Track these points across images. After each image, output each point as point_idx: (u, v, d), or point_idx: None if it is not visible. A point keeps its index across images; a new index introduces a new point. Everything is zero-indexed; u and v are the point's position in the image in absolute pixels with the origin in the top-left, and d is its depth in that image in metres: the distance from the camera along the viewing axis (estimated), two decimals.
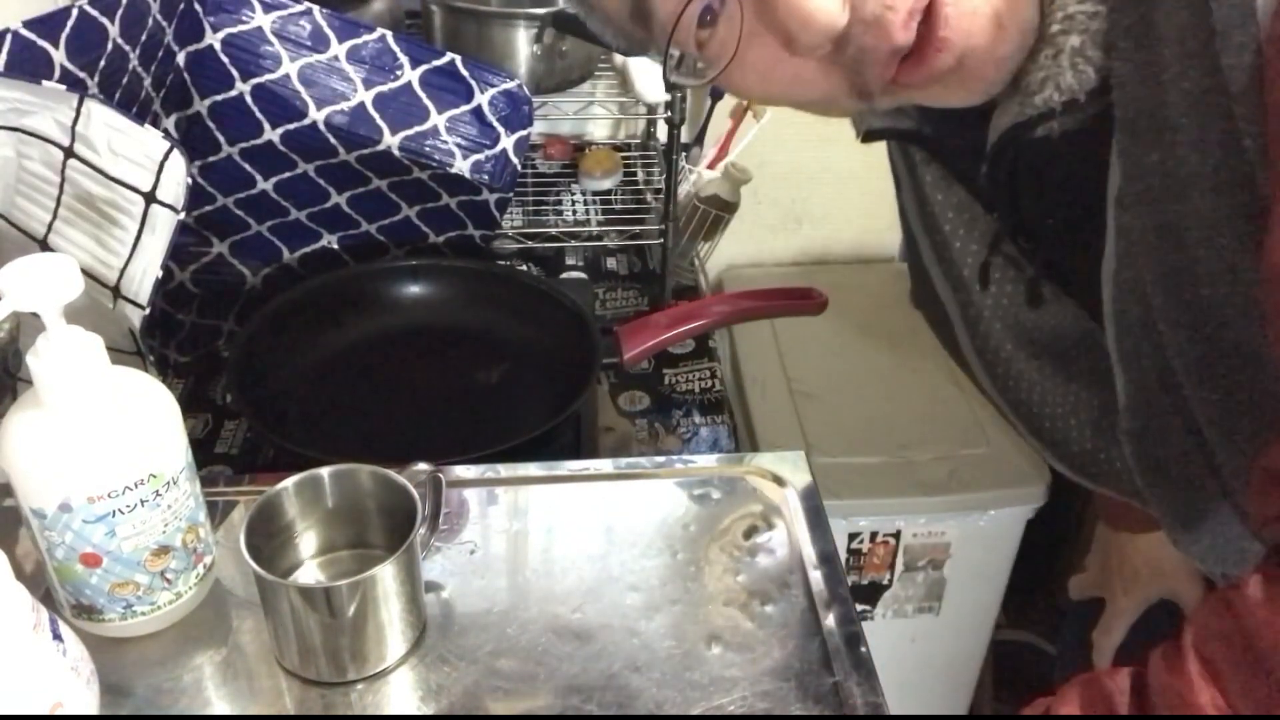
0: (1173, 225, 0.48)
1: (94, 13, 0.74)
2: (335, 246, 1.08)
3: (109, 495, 0.57)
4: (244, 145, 0.96)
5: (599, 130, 1.49)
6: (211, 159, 0.97)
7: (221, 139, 0.95)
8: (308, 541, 0.66)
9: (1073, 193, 0.57)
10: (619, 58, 1.24)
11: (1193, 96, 0.45)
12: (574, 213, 1.35)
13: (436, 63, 0.97)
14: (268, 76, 0.92)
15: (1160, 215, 0.48)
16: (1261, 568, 0.48)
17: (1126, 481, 0.66)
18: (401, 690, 0.61)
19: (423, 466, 0.66)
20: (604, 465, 0.78)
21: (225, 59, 0.91)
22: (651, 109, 1.24)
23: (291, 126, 0.95)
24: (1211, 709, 0.46)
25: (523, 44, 1.14)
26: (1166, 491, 0.60)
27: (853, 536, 1.24)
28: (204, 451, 0.99)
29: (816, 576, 0.68)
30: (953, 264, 0.67)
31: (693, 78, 0.53)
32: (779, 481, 0.75)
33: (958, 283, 0.67)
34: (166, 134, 0.74)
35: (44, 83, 0.68)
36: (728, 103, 1.42)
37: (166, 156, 0.74)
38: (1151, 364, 0.54)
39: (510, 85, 1.00)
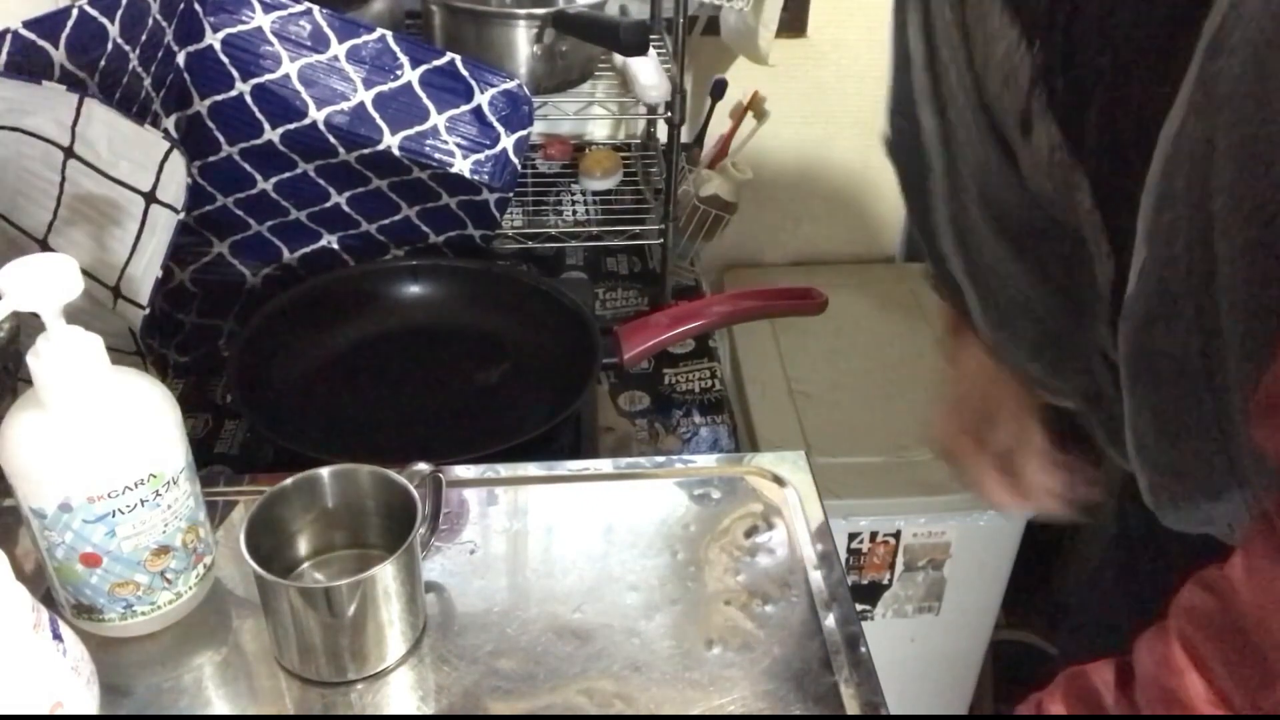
0: (1261, 73, 0.42)
1: (94, 13, 0.74)
2: (335, 246, 1.08)
3: (109, 495, 0.57)
4: (244, 145, 0.96)
5: (599, 130, 1.49)
6: (211, 159, 0.97)
7: (221, 139, 0.95)
8: (308, 541, 0.66)
9: (1149, 32, 0.49)
10: (619, 58, 1.24)
11: None
12: (574, 213, 1.35)
13: (436, 63, 0.97)
14: (268, 76, 0.92)
15: (1263, 68, 0.42)
16: (1242, 548, 0.47)
17: (1072, 386, 0.63)
18: (401, 690, 0.61)
19: (423, 466, 0.66)
20: (604, 465, 0.78)
21: (225, 59, 0.91)
22: (651, 109, 1.25)
23: (291, 126, 0.95)
24: (1201, 700, 0.46)
25: (523, 44, 1.14)
26: (1152, 388, 0.55)
27: (853, 536, 1.23)
28: (204, 451, 0.98)
29: (816, 576, 0.68)
30: (946, 96, 0.58)
31: None
32: (779, 481, 0.75)
33: (947, 127, 0.59)
34: (166, 134, 0.74)
35: (44, 83, 0.68)
36: (728, 103, 1.42)
37: (166, 156, 0.74)
38: (1186, 242, 0.48)
39: (510, 85, 1.00)
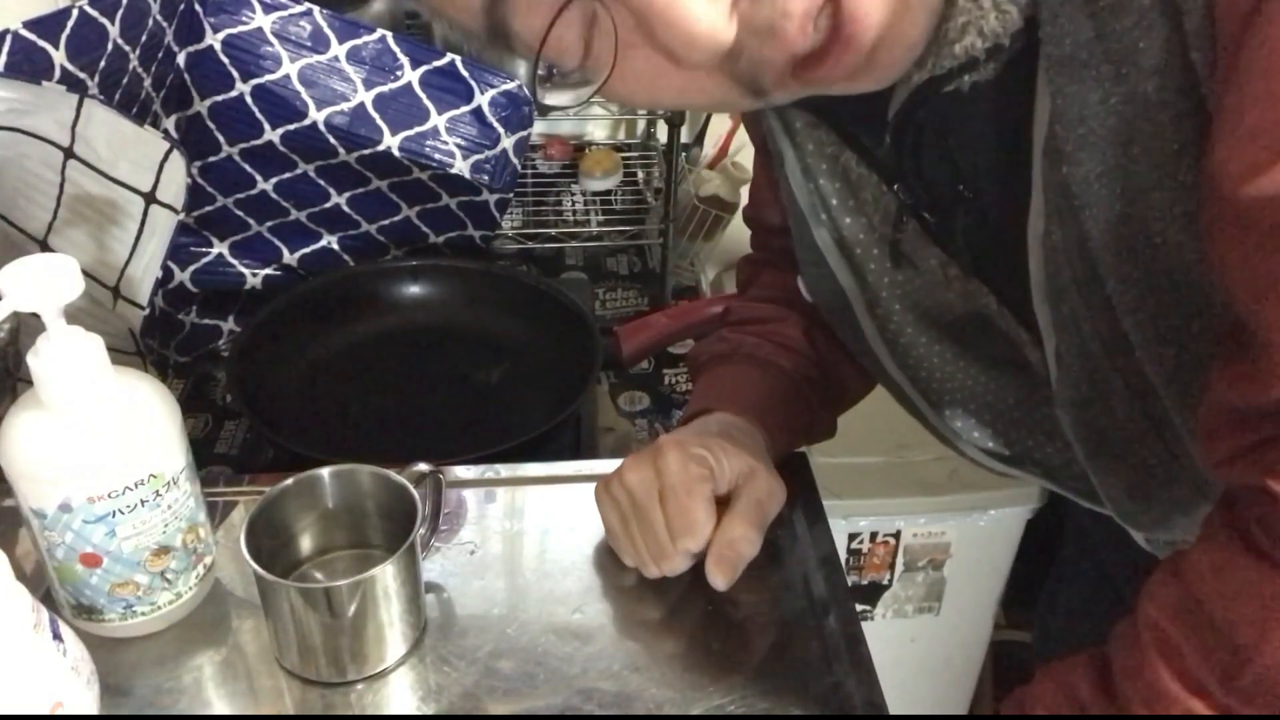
0: (1120, 169, 0.44)
1: (94, 13, 0.74)
2: (335, 246, 1.08)
3: (109, 495, 0.57)
4: (244, 145, 0.96)
5: (599, 130, 1.49)
6: (211, 159, 0.97)
7: (221, 139, 0.95)
8: (308, 541, 0.66)
9: (986, 153, 0.52)
10: None
11: (1149, 15, 0.41)
12: (574, 213, 1.35)
13: (437, 63, 0.98)
14: (268, 77, 0.92)
15: (1105, 160, 0.45)
16: (1204, 535, 0.47)
17: (1038, 462, 0.64)
18: (401, 690, 0.61)
19: (423, 466, 0.66)
20: (604, 465, 0.77)
21: (225, 59, 0.91)
22: (651, 109, 1.25)
23: (291, 127, 0.95)
24: (1175, 689, 0.46)
25: None
26: (1112, 462, 0.57)
27: (853, 536, 1.23)
28: (204, 451, 0.99)
29: (817, 577, 0.68)
30: (844, 243, 0.61)
31: (568, 91, 0.48)
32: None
33: (853, 263, 0.62)
34: (166, 134, 0.74)
35: (44, 83, 0.68)
36: None
37: (166, 156, 0.74)
38: (1093, 327, 0.50)
39: (510, 85, 1.00)
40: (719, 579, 0.64)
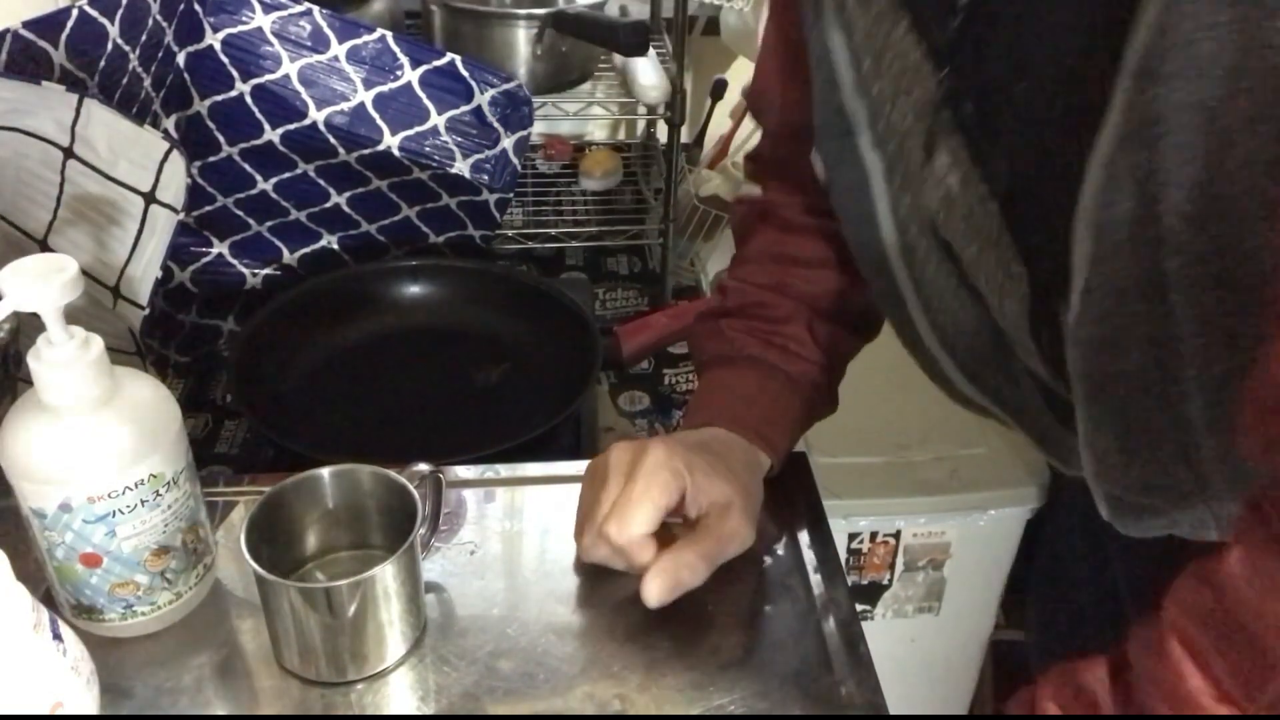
0: (1218, 103, 0.41)
1: (94, 13, 0.74)
2: (335, 246, 1.08)
3: (109, 495, 0.57)
4: (244, 145, 0.96)
5: (599, 130, 1.49)
6: (211, 159, 0.97)
7: (221, 139, 0.96)
8: (308, 541, 0.66)
9: (1065, 57, 0.48)
10: (619, 58, 1.24)
11: None
12: (574, 213, 1.35)
13: (436, 63, 0.98)
14: (268, 77, 0.93)
15: (1202, 90, 0.41)
16: (1241, 539, 0.46)
17: (1002, 402, 0.63)
18: (401, 690, 0.61)
19: (423, 466, 0.66)
20: None
21: (225, 59, 0.91)
22: (651, 109, 1.25)
23: (291, 127, 0.95)
24: (1200, 694, 0.45)
25: (523, 44, 1.14)
26: (1109, 407, 0.54)
27: (853, 536, 1.23)
28: (204, 451, 0.99)
29: (816, 577, 0.68)
30: (873, 114, 0.57)
31: None
32: (778, 481, 0.75)
33: (877, 136, 0.57)
34: (166, 134, 0.74)
35: (44, 83, 0.68)
36: (728, 103, 1.42)
37: (166, 156, 0.74)
38: (1134, 265, 0.47)
39: (510, 85, 1.00)
40: (651, 594, 0.62)
